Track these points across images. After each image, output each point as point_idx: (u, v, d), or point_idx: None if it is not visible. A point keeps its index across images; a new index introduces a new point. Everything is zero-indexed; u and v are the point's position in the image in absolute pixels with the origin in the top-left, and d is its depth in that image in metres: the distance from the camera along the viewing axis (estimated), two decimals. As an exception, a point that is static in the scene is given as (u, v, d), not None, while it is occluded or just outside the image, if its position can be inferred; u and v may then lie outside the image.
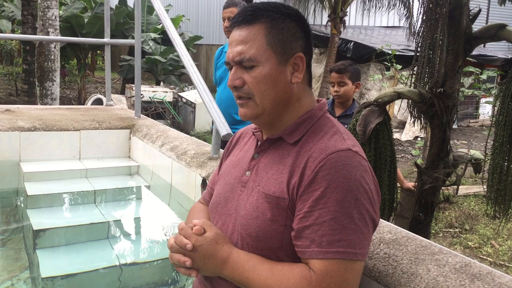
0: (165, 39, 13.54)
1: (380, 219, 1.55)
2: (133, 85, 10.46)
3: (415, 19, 2.77)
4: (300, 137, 1.21)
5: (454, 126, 12.11)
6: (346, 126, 2.98)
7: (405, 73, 6.41)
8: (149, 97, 10.78)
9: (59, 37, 8.76)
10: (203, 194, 1.53)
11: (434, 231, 5.27)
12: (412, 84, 2.81)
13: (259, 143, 1.29)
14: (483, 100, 11.15)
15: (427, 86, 2.72)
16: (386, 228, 1.48)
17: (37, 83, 8.58)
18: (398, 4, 11.32)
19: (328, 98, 3.29)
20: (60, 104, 9.09)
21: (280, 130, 1.23)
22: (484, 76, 5.33)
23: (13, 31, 16.11)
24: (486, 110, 13.02)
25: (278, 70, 1.19)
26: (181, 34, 14.74)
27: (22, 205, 2.95)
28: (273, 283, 1.10)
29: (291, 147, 1.21)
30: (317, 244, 1.07)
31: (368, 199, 1.11)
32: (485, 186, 2.57)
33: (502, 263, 4.64)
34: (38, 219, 2.57)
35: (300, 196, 1.12)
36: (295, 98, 1.23)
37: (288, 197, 1.14)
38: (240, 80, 1.20)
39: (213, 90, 3.09)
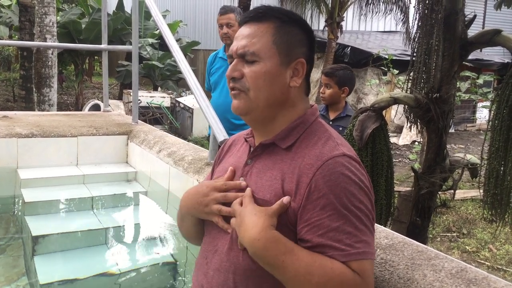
0: (162, 45, 13.53)
1: (377, 224, 1.56)
2: (130, 90, 10.45)
3: (411, 24, 2.79)
4: (293, 142, 1.21)
5: (452, 130, 12.12)
6: (340, 128, 3.01)
7: (402, 77, 6.41)
8: (147, 103, 10.77)
9: (57, 44, 8.77)
10: None
11: (432, 236, 5.27)
12: (408, 89, 2.82)
13: (251, 149, 1.30)
14: (480, 104, 11.17)
15: (423, 91, 2.73)
16: (383, 234, 1.48)
17: (34, 89, 8.58)
18: (394, 9, 11.36)
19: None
20: (57, 110, 9.09)
21: (272, 135, 1.24)
22: (480, 81, 5.34)
23: (10, 37, 16.11)
24: (483, 114, 13.05)
25: (279, 70, 1.21)
26: (178, 40, 14.76)
27: (20, 211, 2.95)
28: (316, 271, 1.05)
29: (284, 153, 1.21)
30: (335, 249, 1.07)
31: (369, 200, 1.13)
32: (481, 191, 2.57)
33: (500, 267, 4.65)
34: (36, 226, 2.57)
35: (304, 206, 1.11)
36: (290, 103, 1.24)
37: None
38: (239, 72, 1.22)
39: (207, 96, 3.10)
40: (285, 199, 1.13)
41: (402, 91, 2.89)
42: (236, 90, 1.23)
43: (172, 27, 14.54)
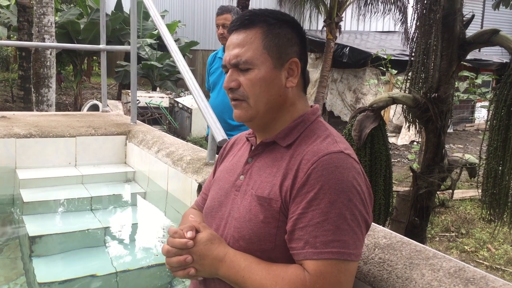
0: (161, 45, 13.55)
1: (375, 224, 1.55)
2: (129, 90, 10.43)
3: (410, 24, 2.79)
4: (294, 140, 1.22)
5: (450, 130, 12.15)
6: None
7: (400, 77, 6.41)
8: (146, 103, 10.78)
9: (55, 44, 8.76)
10: (196, 200, 1.53)
11: (430, 236, 5.28)
12: (407, 89, 2.82)
13: (253, 148, 1.30)
14: (478, 104, 11.18)
15: (422, 91, 2.73)
16: (381, 233, 1.48)
17: (33, 89, 8.57)
18: (393, 9, 11.37)
19: (324, 103, 3.28)
20: (56, 110, 9.08)
21: (273, 134, 1.25)
22: (479, 81, 5.34)
23: (9, 38, 16.10)
24: (481, 114, 13.07)
25: (273, 73, 1.21)
26: (177, 40, 14.75)
27: (18, 212, 2.94)
28: (268, 283, 1.11)
29: (284, 150, 1.22)
30: (311, 245, 1.08)
31: (361, 200, 1.12)
32: (480, 190, 2.58)
33: (498, 267, 4.65)
34: (34, 226, 2.57)
35: (294, 198, 1.13)
36: (289, 103, 1.25)
37: (281, 200, 1.15)
38: (235, 82, 1.22)
39: (207, 96, 3.10)
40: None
41: (400, 91, 2.89)
42: (236, 101, 1.24)
43: (171, 27, 14.53)
